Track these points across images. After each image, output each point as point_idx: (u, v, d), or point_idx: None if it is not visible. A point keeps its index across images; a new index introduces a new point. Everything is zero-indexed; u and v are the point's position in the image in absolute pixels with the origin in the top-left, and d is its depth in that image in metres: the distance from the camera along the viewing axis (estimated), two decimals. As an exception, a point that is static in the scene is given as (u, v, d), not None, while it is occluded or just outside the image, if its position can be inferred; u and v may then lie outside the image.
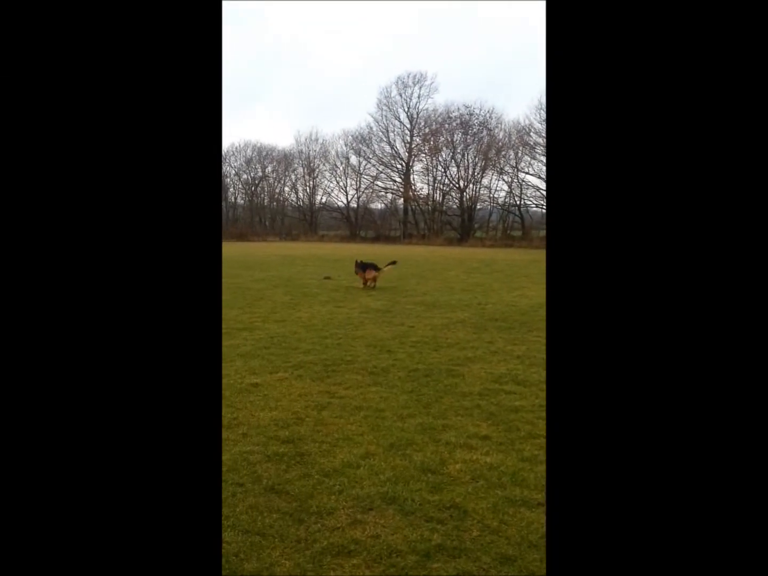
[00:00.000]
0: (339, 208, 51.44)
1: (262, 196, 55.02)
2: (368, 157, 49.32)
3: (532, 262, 21.56)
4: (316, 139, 52.02)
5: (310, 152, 51.55)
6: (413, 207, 47.93)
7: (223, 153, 51.78)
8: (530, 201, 44.14)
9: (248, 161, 54.08)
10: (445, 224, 46.68)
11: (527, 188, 44.01)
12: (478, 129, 45.72)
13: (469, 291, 12.81)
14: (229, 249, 27.95)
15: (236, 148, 53.92)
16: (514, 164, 44.20)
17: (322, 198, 52.63)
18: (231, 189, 55.19)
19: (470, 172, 46.04)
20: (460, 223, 45.75)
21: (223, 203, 53.18)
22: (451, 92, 77.43)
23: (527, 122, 42.61)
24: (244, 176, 54.67)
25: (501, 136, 45.34)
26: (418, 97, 47.49)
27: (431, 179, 47.66)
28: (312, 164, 51.59)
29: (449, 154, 46.42)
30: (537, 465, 3.59)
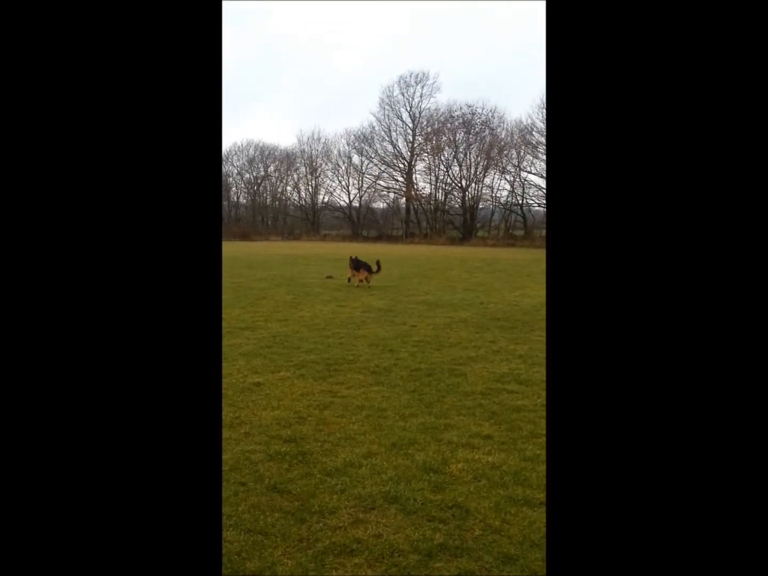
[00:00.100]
0: (341, 207, 51.41)
1: (265, 195, 55.00)
2: (370, 157, 49.33)
3: (535, 261, 21.54)
4: (319, 139, 52.07)
5: (313, 151, 51.55)
6: (415, 206, 47.89)
7: (225, 152, 52.01)
8: (532, 200, 44.11)
9: (251, 160, 54.09)
10: (447, 223, 46.64)
11: (529, 187, 43.98)
12: (481, 128, 45.69)
13: (472, 290, 12.80)
14: (232, 248, 27.98)
15: (239, 147, 53.97)
16: (517, 163, 44.17)
17: (324, 197, 52.65)
18: (233, 188, 55.21)
19: (472, 172, 46.00)
20: (462, 222, 45.71)
21: (226, 202, 53.23)
22: (453, 91, 77.46)
23: (529, 121, 42.55)
24: (247, 175, 54.69)
25: (503, 136, 45.31)
26: (421, 97, 47.48)
27: (433, 178, 47.66)
28: (314, 163, 51.58)
29: (451, 153, 46.39)
30: (539, 464, 3.58)
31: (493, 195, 46.07)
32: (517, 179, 44.46)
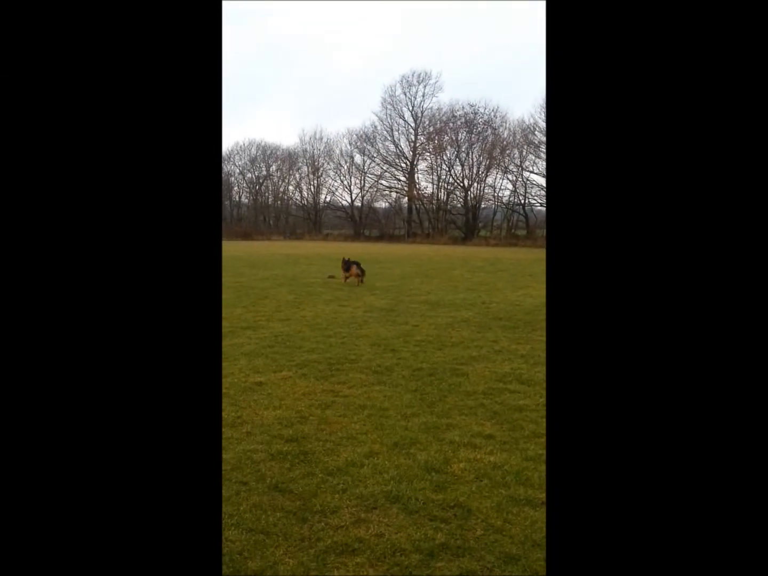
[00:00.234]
0: (343, 207, 51.39)
1: (267, 194, 55.01)
2: (372, 156, 49.29)
3: (537, 261, 21.52)
4: (321, 138, 52.00)
5: (315, 151, 51.55)
6: (417, 206, 47.87)
7: (227, 152, 52.05)
8: (535, 200, 44.02)
9: (252, 160, 54.10)
10: (449, 223, 46.62)
11: (532, 187, 43.91)
12: (483, 128, 45.65)
13: (474, 290, 12.79)
14: (234, 248, 28.00)
15: (240, 146, 54.02)
16: (519, 163, 44.12)
17: (326, 197, 52.66)
18: (235, 188, 55.28)
19: (474, 171, 45.96)
20: (464, 222, 45.69)
21: (228, 202, 53.27)
22: (455, 91, 77.42)
23: (532, 121, 42.50)
24: (249, 175, 54.72)
25: (505, 135, 45.26)
26: (423, 96, 47.44)
27: (435, 178, 47.63)
28: (316, 163, 51.58)
29: (453, 152, 46.35)
30: (541, 464, 3.58)
31: (496, 195, 46.05)
32: (520, 179, 44.45)
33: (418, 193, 47.35)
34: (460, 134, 46.06)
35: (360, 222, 49.75)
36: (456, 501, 3.13)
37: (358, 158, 49.85)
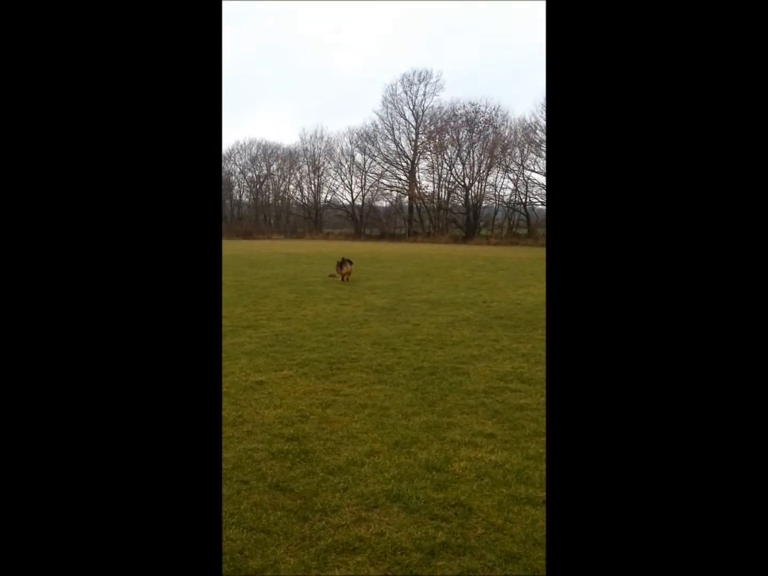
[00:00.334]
0: (344, 206, 51.37)
1: (267, 194, 54.99)
2: (373, 155, 49.26)
3: (538, 260, 21.51)
4: (321, 137, 51.96)
5: (315, 150, 51.52)
6: (418, 205, 47.85)
7: (227, 151, 52.04)
8: (536, 199, 43.97)
9: (253, 159, 54.08)
10: (450, 222, 46.61)
11: (533, 186, 43.85)
12: (484, 126, 45.60)
13: (474, 289, 12.79)
14: (234, 247, 28.01)
15: (241, 146, 53.99)
16: (520, 162, 44.07)
17: (327, 196, 52.62)
18: (236, 187, 55.29)
19: (476, 170, 45.92)
20: (465, 221, 45.67)
21: (228, 201, 53.26)
22: (456, 90, 77.40)
23: (533, 120, 42.44)
24: (249, 174, 54.71)
25: (507, 134, 45.21)
26: (424, 95, 47.39)
27: (436, 177, 47.59)
28: (317, 162, 51.54)
29: (455, 151, 46.31)
30: (542, 463, 3.58)
31: (497, 193, 46.00)
32: (521, 178, 44.41)
33: (419, 192, 47.33)
34: (461, 133, 46.06)
35: (361, 221, 49.73)
36: (457, 500, 3.13)
37: (358, 157, 49.88)
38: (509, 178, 45.34)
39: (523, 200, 44.57)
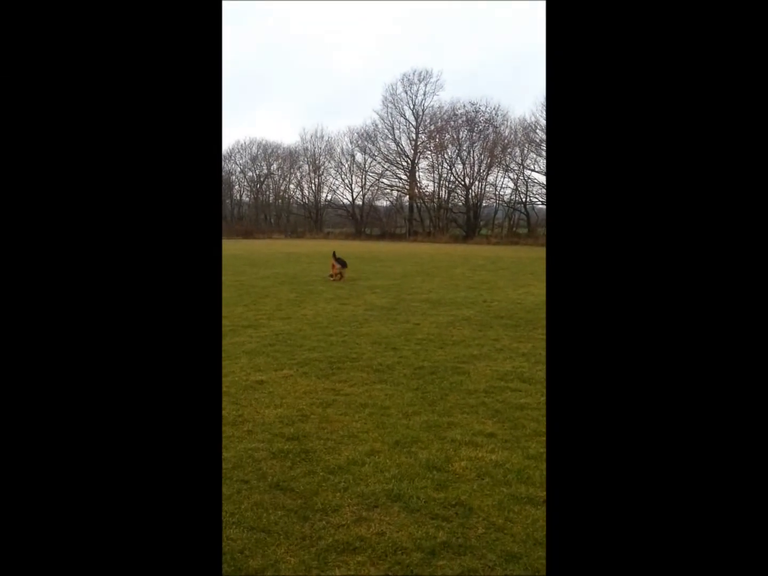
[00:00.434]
0: (344, 205, 51.34)
1: (268, 193, 54.96)
2: (374, 155, 49.20)
3: (538, 259, 21.50)
4: (322, 137, 51.91)
5: (316, 149, 51.46)
6: (418, 204, 47.81)
7: (228, 150, 51.99)
8: (536, 198, 43.92)
9: (253, 158, 54.03)
10: (450, 222, 46.57)
11: (533, 185, 43.79)
12: (484, 126, 45.53)
13: (475, 288, 12.79)
14: (235, 246, 28.00)
15: (241, 145, 53.93)
16: (520, 161, 44.04)
17: (327, 195, 52.57)
18: (236, 186, 55.26)
19: (476, 170, 45.86)
20: (465, 220, 45.64)
21: (229, 200, 53.22)
22: (456, 90, 77.29)
23: (533, 119, 42.36)
24: (250, 173, 54.67)
25: (507, 133, 45.16)
26: (424, 95, 47.31)
27: (437, 176, 47.53)
28: (317, 161, 51.49)
29: (455, 151, 46.24)
30: (542, 462, 3.58)
31: (497, 193, 45.94)
32: (521, 177, 44.37)
33: (419, 192, 47.30)
34: (461, 132, 46.00)
35: (361, 220, 49.70)
36: (457, 499, 3.13)
37: (359, 157, 49.82)
38: (509, 177, 45.34)
39: (524, 200, 44.56)
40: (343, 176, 50.97)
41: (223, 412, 4.39)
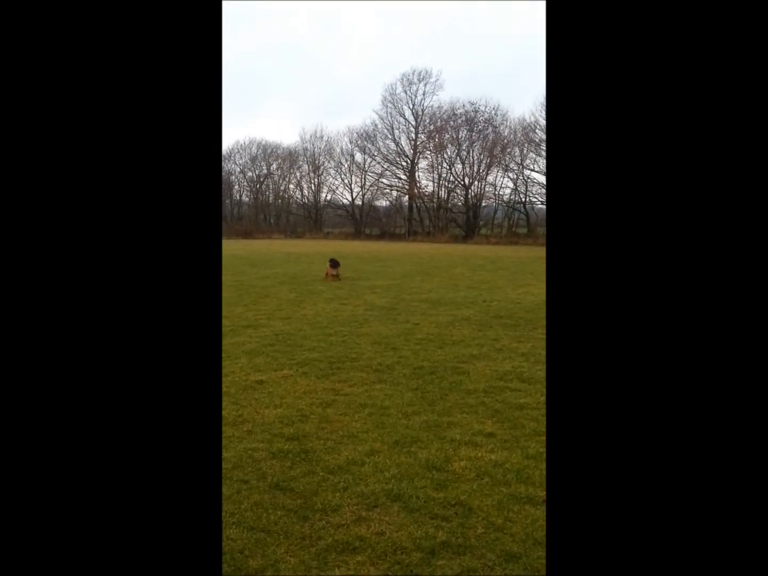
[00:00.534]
0: (344, 205, 51.34)
1: (267, 193, 54.95)
2: (373, 155, 49.20)
3: (538, 259, 21.50)
4: (321, 137, 51.89)
5: (315, 149, 51.45)
6: (418, 204, 47.81)
7: (227, 150, 51.99)
8: (536, 198, 43.92)
9: (253, 159, 54.02)
10: (450, 221, 46.57)
11: (533, 185, 43.80)
12: (484, 126, 45.53)
13: (474, 288, 12.79)
14: (234, 246, 28.00)
15: (241, 145, 53.93)
16: (520, 161, 44.04)
17: (326, 195, 52.58)
18: (236, 186, 55.26)
19: (475, 170, 45.85)
20: (465, 220, 45.64)
21: (228, 201, 53.22)
22: (455, 90, 77.31)
23: (533, 119, 42.36)
24: (249, 174, 54.67)
25: (506, 133, 45.16)
26: (423, 94, 47.31)
27: (436, 176, 47.53)
28: (317, 161, 51.48)
29: (454, 151, 46.23)
30: (542, 462, 3.58)
31: (496, 193, 45.95)
32: (520, 177, 44.38)
33: (418, 192, 47.30)
34: (460, 132, 45.99)
35: (361, 220, 49.70)
36: (457, 499, 3.13)
37: (358, 156, 49.82)
38: (509, 177, 45.35)
39: (523, 199, 44.57)
40: (342, 176, 51.02)
41: (223, 412, 4.39)
